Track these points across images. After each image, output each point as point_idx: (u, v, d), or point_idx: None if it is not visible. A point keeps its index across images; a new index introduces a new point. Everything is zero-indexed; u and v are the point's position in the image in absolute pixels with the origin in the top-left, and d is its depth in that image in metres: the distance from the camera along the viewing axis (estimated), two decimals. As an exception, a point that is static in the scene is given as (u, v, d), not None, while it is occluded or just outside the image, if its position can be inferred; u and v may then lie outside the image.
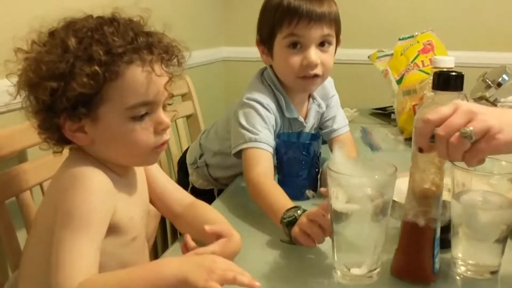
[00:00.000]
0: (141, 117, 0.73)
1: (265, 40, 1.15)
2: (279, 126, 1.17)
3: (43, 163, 1.01)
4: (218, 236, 0.79)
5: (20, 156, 1.06)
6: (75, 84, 0.68)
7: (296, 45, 1.10)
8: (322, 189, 0.99)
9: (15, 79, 0.73)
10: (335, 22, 1.12)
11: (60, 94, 0.69)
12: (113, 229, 0.74)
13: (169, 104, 0.79)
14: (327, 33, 1.10)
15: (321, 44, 1.11)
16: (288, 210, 0.86)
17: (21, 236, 0.96)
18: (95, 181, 0.72)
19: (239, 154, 1.10)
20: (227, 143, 1.18)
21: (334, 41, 1.14)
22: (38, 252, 0.75)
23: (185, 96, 1.74)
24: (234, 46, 2.41)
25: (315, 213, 0.80)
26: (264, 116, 1.11)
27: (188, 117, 1.74)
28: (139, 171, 0.86)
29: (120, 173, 0.79)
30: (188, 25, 2.00)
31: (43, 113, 0.72)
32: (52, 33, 0.73)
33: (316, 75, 1.12)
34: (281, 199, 0.93)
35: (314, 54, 1.09)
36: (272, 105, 1.13)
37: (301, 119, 1.20)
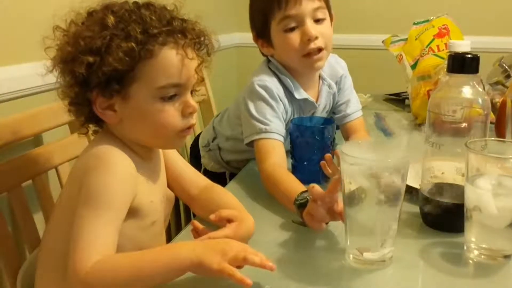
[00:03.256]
0: (170, 98, 0.75)
1: (261, 32, 1.16)
2: (290, 113, 1.17)
3: (58, 147, 1.02)
4: (229, 220, 0.80)
5: (36, 140, 1.07)
6: (111, 59, 0.70)
7: (293, 28, 1.10)
8: (322, 163, 0.98)
9: (50, 55, 0.75)
10: None
11: (96, 68, 0.71)
12: (133, 212, 0.76)
13: (196, 91, 0.81)
14: (318, 6, 1.11)
15: (316, 20, 1.11)
16: (302, 192, 0.87)
17: (37, 218, 0.98)
18: (119, 163, 0.74)
19: (251, 143, 1.11)
20: (238, 128, 1.18)
21: (327, 14, 1.14)
22: (61, 232, 0.76)
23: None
24: (247, 32, 2.39)
25: (318, 193, 0.80)
26: (273, 105, 1.11)
27: (201, 102, 1.74)
28: (160, 155, 0.87)
29: (144, 157, 0.80)
30: (200, 10, 2.00)
31: (77, 87, 0.74)
32: (90, 13, 0.75)
33: (319, 49, 1.11)
34: (294, 185, 0.93)
35: (311, 27, 1.10)
36: (280, 91, 1.14)
37: (312, 99, 1.20)
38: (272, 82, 1.13)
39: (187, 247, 0.66)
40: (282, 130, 1.11)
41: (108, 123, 0.78)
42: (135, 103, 0.74)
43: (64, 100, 0.77)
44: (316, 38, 1.10)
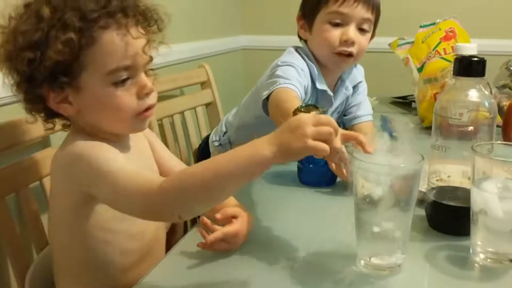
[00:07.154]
0: (122, 82, 0.74)
1: (307, 14, 1.19)
2: (309, 97, 1.18)
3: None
4: (234, 216, 0.80)
5: (44, 142, 1.08)
6: (51, 52, 0.69)
7: (337, 24, 1.14)
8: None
9: None
10: (377, 10, 1.16)
11: (37, 64, 0.70)
12: None
13: (151, 69, 0.79)
14: (368, 17, 1.15)
15: (360, 29, 1.15)
16: (307, 105, 0.83)
17: (45, 219, 0.98)
18: (98, 144, 0.74)
19: (266, 109, 1.07)
20: (252, 113, 1.20)
21: (371, 28, 1.18)
22: (65, 228, 0.78)
23: (204, 84, 1.75)
24: (254, 35, 2.40)
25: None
26: (300, 73, 1.13)
27: (207, 105, 1.75)
28: (137, 136, 0.86)
29: (114, 140, 0.79)
30: (207, 13, 2.01)
31: (24, 85, 0.73)
32: (27, 5, 0.73)
33: (350, 54, 1.15)
34: (298, 102, 0.90)
35: (353, 31, 1.13)
36: (306, 72, 1.16)
37: (330, 93, 1.22)
38: (300, 62, 1.16)
39: (261, 142, 0.64)
40: (302, 94, 1.09)
41: (68, 116, 0.78)
42: (88, 92, 0.73)
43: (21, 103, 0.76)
44: (353, 43, 1.14)
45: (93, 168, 0.71)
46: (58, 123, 0.81)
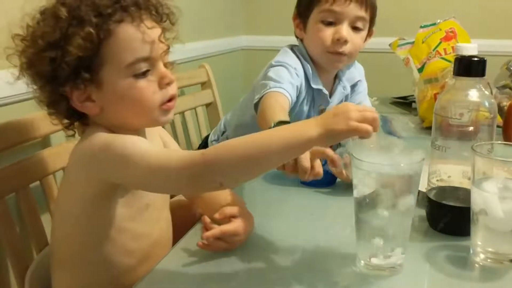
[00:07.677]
0: (143, 74, 0.75)
1: (302, 13, 1.19)
2: (304, 96, 1.18)
3: (66, 149, 1.02)
4: (232, 216, 0.80)
5: (44, 142, 1.08)
6: (71, 47, 0.70)
7: (330, 23, 1.14)
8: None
9: (15, 61, 0.75)
10: (371, 8, 1.15)
11: (59, 62, 0.71)
12: (126, 192, 0.77)
13: (170, 63, 0.80)
14: (361, 15, 1.14)
15: (354, 27, 1.14)
16: (281, 121, 0.85)
17: (45, 219, 0.98)
18: (120, 134, 0.74)
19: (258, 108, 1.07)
20: (249, 112, 1.19)
21: (366, 27, 1.17)
22: (70, 225, 0.79)
23: (204, 85, 1.75)
24: (254, 35, 2.40)
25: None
26: (292, 72, 1.13)
27: (207, 105, 1.75)
28: (151, 135, 0.87)
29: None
30: (207, 13, 2.01)
31: (48, 86, 0.74)
32: (42, 12, 0.75)
33: (343, 53, 1.14)
34: (280, 114, 0.91)
35: (345, 30, 1.13)
36: (300, 71, 1.16)
37: (326, 91, 1.22)
38: (294, 62, 1.16)
39: (307, 124, 0.67)
40: (294, 96, 1.10)
41: (91, 115, 0.78)
42: (110, 87, 0.74)
43: (44, 107, 0.78)
44: (346, 42, 1.13)
45: (119, 153, 0.71)
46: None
